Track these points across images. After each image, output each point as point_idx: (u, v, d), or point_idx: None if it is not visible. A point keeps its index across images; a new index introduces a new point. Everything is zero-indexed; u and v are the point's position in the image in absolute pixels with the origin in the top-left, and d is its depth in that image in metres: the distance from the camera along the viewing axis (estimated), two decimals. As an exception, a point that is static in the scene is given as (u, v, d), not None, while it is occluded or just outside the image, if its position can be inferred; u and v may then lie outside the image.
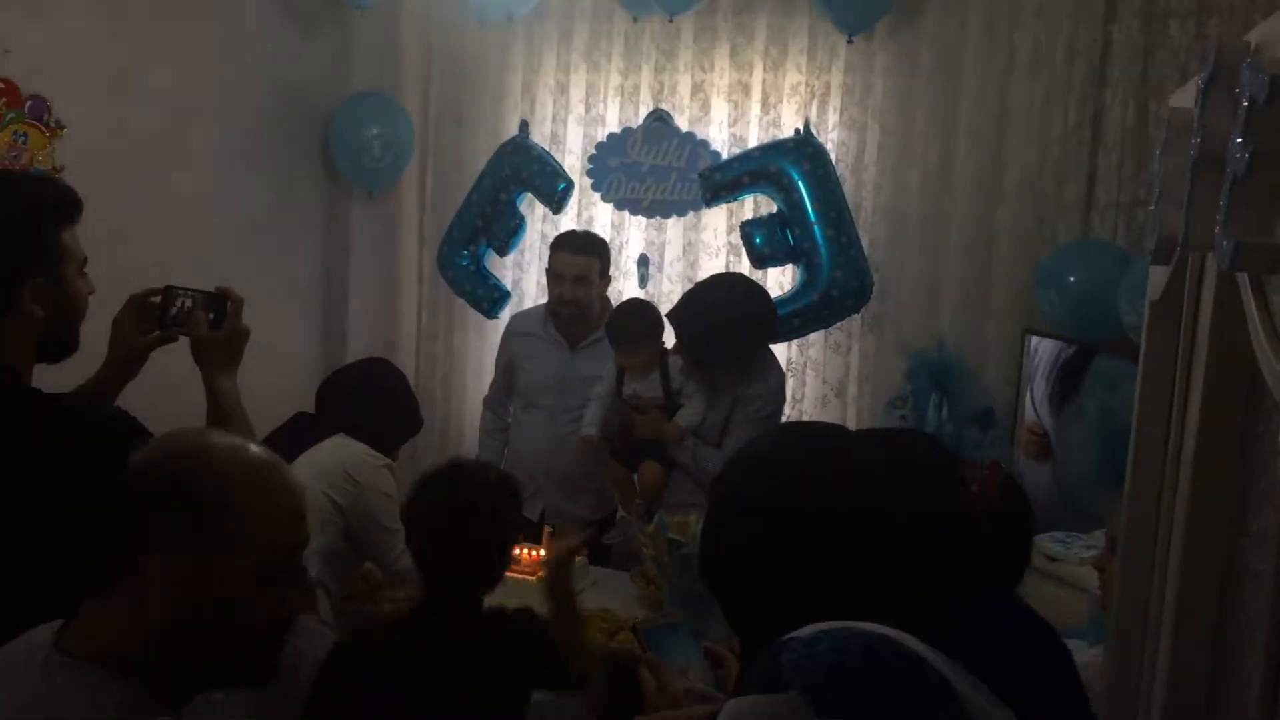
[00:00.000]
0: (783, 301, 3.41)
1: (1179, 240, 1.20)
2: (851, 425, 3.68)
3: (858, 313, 3.48)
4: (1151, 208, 1.40)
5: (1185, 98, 1.31)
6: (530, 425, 3.40)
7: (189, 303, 1.91)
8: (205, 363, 1.87)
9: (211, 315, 1.89)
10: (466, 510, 1.84)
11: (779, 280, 3.69)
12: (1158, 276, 1.48)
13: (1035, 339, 3.31)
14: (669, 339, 3.09)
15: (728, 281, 3.21)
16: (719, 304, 2.97)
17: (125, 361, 1.92)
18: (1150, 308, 1.52)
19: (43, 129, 3.08)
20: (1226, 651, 1.06)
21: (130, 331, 1.91)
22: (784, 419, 3.75)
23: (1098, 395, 3.17)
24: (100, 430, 1.60)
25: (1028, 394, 3.34)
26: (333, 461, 2.47)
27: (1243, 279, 0.90)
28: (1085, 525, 2.89)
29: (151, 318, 1.91)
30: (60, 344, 1.68)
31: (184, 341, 1.90)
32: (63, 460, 1.48)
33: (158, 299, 1.92)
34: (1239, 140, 0.84)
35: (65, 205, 1.67)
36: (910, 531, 1.06)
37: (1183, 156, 1.18)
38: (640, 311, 3.14)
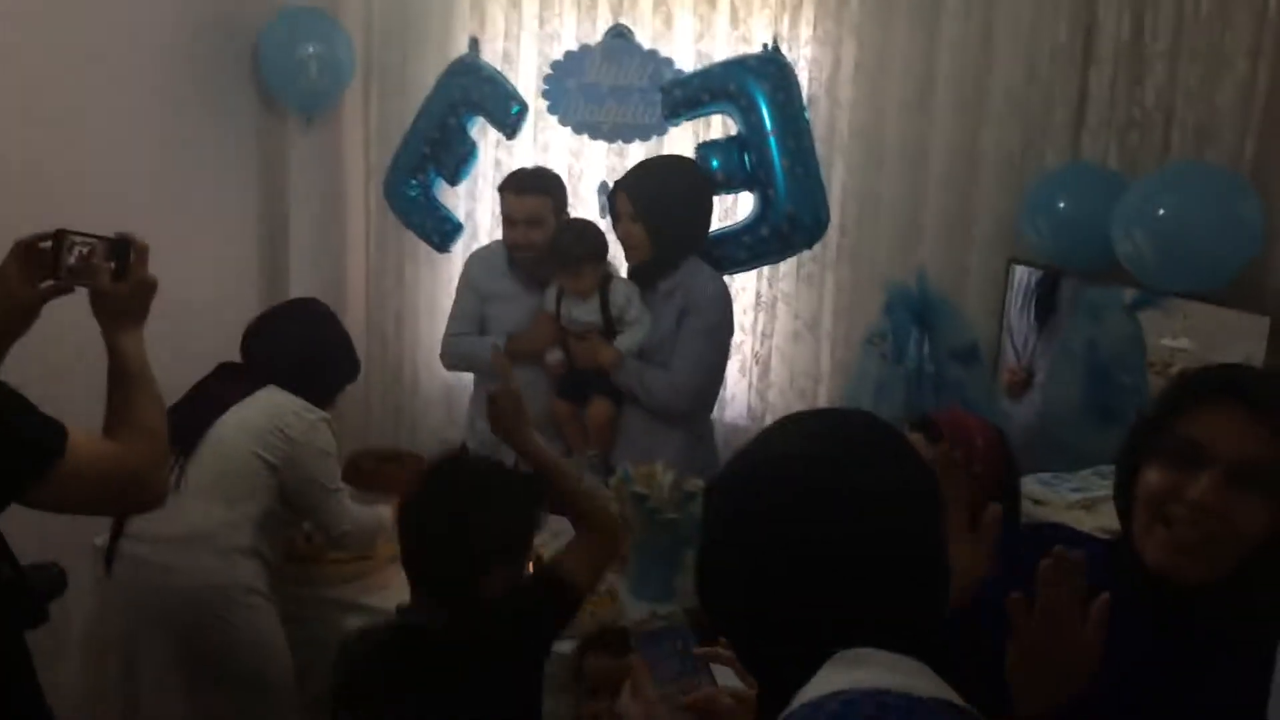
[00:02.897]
0: (732, 232, 3.18)
1: None
2: (825, 362, 3.53)
3: (809, 249, 3.24)
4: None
5: None
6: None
7: (87, 250, 1.69)
8: (107, 319, 1.66)
9: (113, 264, 1.68)
10: (467, 509, 1.68)
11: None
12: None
13: (1021, 270, 3.14)
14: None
15: (674, 156, 3.29)
16: (671, 166, 3.12)
17: (12, 317, 1.71)
18: None
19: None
20: None
21: (18, 282, 1.70)
22: (753, 354, 3.62)
23: (1081, 327, 3.03)
24: None
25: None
26: (263, 417, 2.25)
27: None
28: (1070, 464, 2.76)
29: (43, 266, 1.70)
30: None
31: (80, 295, 1.69)
32: None
33: (48, 244, 1.70)
34: None
35: None
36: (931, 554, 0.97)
37: None
38: (585, 231, 3.01)
